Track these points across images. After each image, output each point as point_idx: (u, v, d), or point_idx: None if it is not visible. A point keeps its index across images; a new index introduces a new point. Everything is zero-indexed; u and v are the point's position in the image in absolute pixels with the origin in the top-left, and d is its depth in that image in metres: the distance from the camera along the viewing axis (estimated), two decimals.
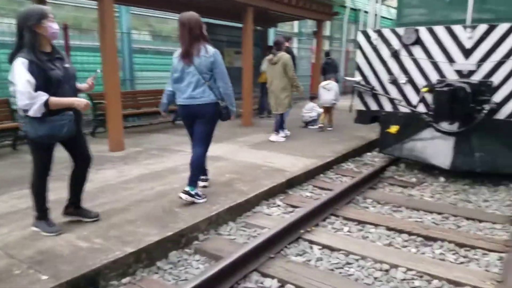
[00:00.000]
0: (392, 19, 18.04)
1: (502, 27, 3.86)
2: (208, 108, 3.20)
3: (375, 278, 2.40)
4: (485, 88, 3.99)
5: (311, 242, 2.86)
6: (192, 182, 3.24)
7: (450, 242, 2.83)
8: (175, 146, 5.59)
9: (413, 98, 4.52)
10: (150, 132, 6.82)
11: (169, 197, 3.36)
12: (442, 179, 4.36)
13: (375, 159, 5.41)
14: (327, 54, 10.70)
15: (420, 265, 2.48)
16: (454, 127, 4.21)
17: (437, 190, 4.05)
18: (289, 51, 6.67)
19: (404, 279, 2.37)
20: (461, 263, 2.59)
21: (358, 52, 4.90)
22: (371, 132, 6.24)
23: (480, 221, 3.26)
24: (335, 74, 8.40)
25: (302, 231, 2.96)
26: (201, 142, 3.29)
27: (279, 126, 6.12)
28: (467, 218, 3.31)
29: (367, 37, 4.78)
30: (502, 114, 3.99)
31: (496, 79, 3.97)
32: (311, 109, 7.41)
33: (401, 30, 4.50)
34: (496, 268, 2.49)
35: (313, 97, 7.67)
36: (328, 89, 6.81)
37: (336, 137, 6.31)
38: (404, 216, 3.40)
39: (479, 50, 4.03)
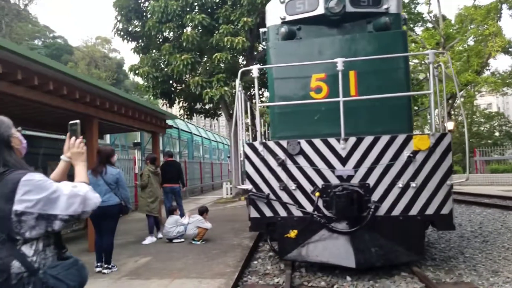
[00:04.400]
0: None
1: (368, 139, 4.75)
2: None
3: None
4: (365, 190, 4.66)
5: None
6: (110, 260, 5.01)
7: None
8: None
9: (304, 202, 4.83)
10: None
11: None
12: (348, 278, 4.58)
13: (267, 266, 5.30)
14: (170, 155, 10.06)
15: None
16: (348, 226, 4.64)
17: None
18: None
19: None
20: None
21: (247, 162, 5.02)
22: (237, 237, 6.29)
23: None
24: (177, 180, 8.32)
25: None
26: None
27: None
28: None
29: (254, 149, 4.99)
30: (381, 212, 4.68)
31: (371, 181, 4.72)
32: (175, 223, 6.87)
33: (284, 143, 4.92)
34: None
35: (173, 209, 7.24)
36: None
37: (215, 248, 6.01)
38: None
39: (353, 158, 4.78)
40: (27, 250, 1.62)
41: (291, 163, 4.89)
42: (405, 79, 5.23)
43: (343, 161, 4.80)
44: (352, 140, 4.78)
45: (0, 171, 1.66)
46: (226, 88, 11.84)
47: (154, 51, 14.07)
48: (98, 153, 5.37)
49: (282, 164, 4.88)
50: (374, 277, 4.61)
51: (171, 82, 14.49)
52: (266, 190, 4.90)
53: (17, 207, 1.59)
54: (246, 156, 5.02)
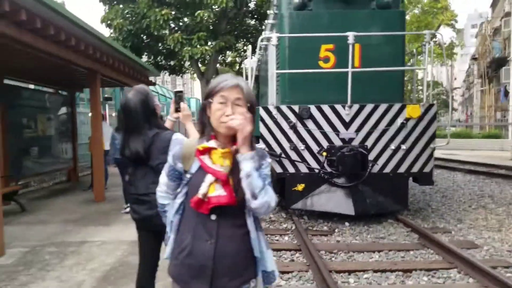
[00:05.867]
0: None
1: (369, 107, 5.43)
2: None
3: None
4: (365, 151, 5.41)
5: None
6: None
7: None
8: (81, 231, 4.45)
9: (311, 160, 5.50)
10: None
11: None
12: (346, 223, 5.43)
13: (270, 215, 6.01)
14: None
15: None
16: (347, 181, 5.41)
17: (353, 234, 5.05)
18: None
19: None
20: None
21: (261, 124, 5.52)
22: None
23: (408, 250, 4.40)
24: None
25: None
26: None
27: None
28: (399, 250, 4.39)
29: (269, 112, 5.49)
30: (375, 169, 5.49)
31: (369, 143, 5.47)
32: None
33: (296, 107, 5.47)
34: None
35: None
36: None
37: None
38: (368, 257, 4.15)
39: (355, 123, 5.47)
40: None
41: (301, 126, 5.48)
42: (401, 54, 5.91)
43: (347, 125, 5.48)
44: (356, 107, 5.44)
45: (155, 132, 2.15)
46: (207, 48, 11.89)
47: (128, 3, 13.46)
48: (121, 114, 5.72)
49: (294, 127, 5.45)
50: (367, 223, 5.50)
51: (142, 36, 14.10)
52: (277, 150, 5.48)
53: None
54: (261, 119, 5.50)
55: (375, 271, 3.84)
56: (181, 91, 2.46)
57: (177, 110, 2.38)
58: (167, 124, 2.43)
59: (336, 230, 5.23)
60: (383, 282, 3.63)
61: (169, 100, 29.63)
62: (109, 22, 12.97)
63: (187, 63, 16.27)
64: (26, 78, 7.70)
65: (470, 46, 46.66)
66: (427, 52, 5.47)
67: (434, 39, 9.83)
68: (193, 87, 77.76)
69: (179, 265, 1.48)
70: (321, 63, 5.69)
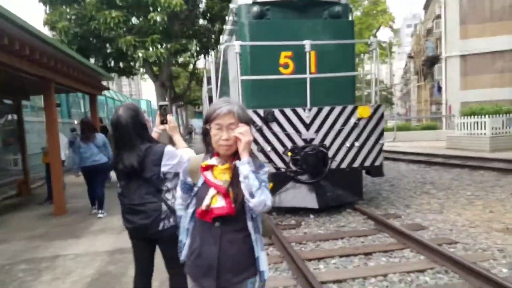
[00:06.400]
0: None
1: (326, 109, 5.94)
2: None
3: None
4: (325, 149, 5.92)
5: None
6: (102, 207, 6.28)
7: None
8: (50, 246, 4.44)
9: (277, 160, 5.90)
10: None
11: None
12: (311, 216, 5.91)
13: None
14: (101, 120, 10.45)
15: None
16: (309, 178, 5.89)
17: (318, 225, 5.54)
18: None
19: None
20: None
21: None
22: None
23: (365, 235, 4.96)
24: None
25: None
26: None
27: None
28: (359, 236, 4.94)
29: None
30: (333, 165, 6.02)
31: (327, 142, 5.98)
32: None
33: (261, 111, 5.82)
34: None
35: None
36: None
37: None
38: (333, 244, 4.62)
39: (314, 124, 5.96)
40: (169, 196, 2.40)
41: (267, 129, 5.86)
42: (352, 59, 6.51)
43: (307, 126, 5.95)
44: (315, 109, 5.93)
45: (148, 145, 2.37)
46: (162, 50, 11.88)
47: (74, 4, 13.00)
48: (86, 124, 6.31)
49: (260, 130, 5.81)
50: (329, 214, 6.03)
51: (89, 38, 13.69)
52: None
53: (163, 169, 2.37)
54: None
55: (341, 256, 4.33)
56: (166, 104, 2.70)
57: (163, 122, 2.61)
58: (153, 135, 2.63)
59: (303, 223, 5.69)
60: (348, 266, 4.11)
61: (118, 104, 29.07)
62: (52, 24, 12.45)
63: (137, 65, 16.00)
64: None
65: (406, 46, 50.20)
66: (375, 58, 6.10)
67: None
68: (141, 88, 75.66)
69: (191, 266, 1.76)
70: (281, 69, 6.11)
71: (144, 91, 68.64)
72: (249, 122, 1.70)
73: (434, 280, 3.63)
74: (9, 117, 9.16)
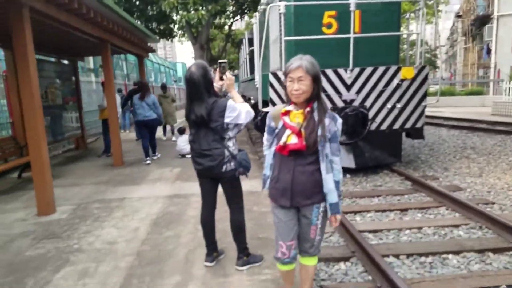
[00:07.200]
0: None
1: (368, 70, 5.97)
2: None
3: None
4: (365, 110, 6.02)
5: None
6: (155, 151, 7.68)
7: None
8: (116, 191, 5.03)
9: None
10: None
11: None
12: (348, 175, 6.14)
13: None
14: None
15: None
16: (349, 138, 6.05)
17: (354, 183, 5.77)
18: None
19: None
20: None
21: (270, 89, 6.02)
22: None
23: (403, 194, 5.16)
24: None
25: None
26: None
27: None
28: (395, 194, 5.14)
29: (277, 78, 5.98)
30: (372, 127, 6.13)
31: (368, 103, 6.07)
32: (186, 141, 7.83)
33: None
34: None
35: (183, 129, 8.12)
36: None
37: None
38: (369, 201, 4.87)
39: (356, 85, 6.03)
40: (230, 143, 2.72)
41: None
42: (397, 20, 6.37)
43: (348, 87, 6.04)
44: (356, 70, 5.98)
45: (214, 99, 2.66)
46: (203, 12, 11.99)
47: None
48: (143, 84, 7.24)
49: None
50: (366, 174, 6.23)
51: (133, 0, 14.01)
52: None
53: (226, 120, 2.65)
54: (270, 84, 5.99)
55: (376, 211, 4.58)
56: (225, 62, 2.94)
57: (221, 78, 2.88)
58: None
59: None
60: (384, 219, 4.36)
61: (162, 68, 29.69)
62: None
63: (177, 27, 16.23)
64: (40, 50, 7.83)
65: (455, 4, 46.67)
66: (421, 17, 5.96)
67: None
68: (175, 52, 76.02)
69: (272, 189, 2.20)
70: (324, 29, 6.13)
71: (179, 54, 69.10)
72: (317, 75, 2.02)
73: (468, 235, 3.81)
74: (70, 77, 9.80)
